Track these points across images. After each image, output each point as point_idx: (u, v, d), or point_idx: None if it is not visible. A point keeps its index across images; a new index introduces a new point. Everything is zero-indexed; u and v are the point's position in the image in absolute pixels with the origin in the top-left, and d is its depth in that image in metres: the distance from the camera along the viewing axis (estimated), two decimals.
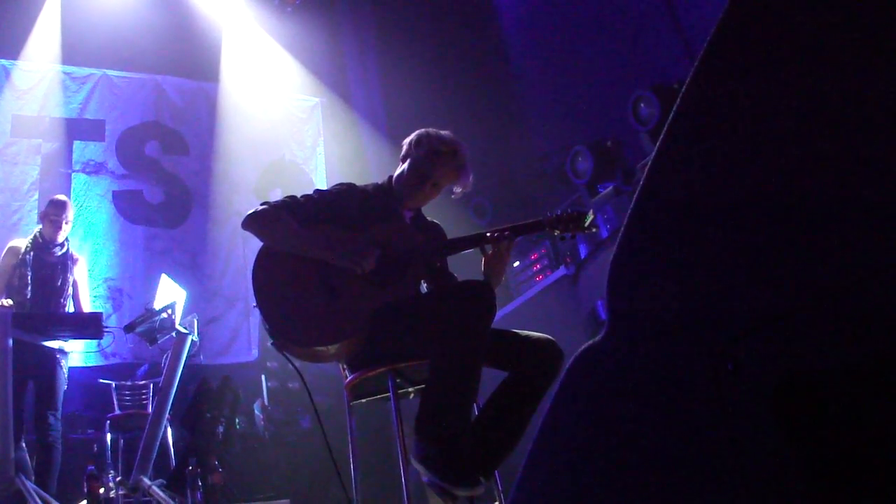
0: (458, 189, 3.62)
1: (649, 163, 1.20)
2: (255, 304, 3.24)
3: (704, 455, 1.16)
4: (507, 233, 3.41)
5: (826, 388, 1.08)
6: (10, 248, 6.16)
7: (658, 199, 1.19)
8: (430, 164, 3.48)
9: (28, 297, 5.96)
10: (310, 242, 3.27)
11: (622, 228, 1.22)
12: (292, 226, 3.29)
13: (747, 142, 1.15)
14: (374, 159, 9.88)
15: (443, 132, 3.57)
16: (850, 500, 1.05)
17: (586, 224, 3.50)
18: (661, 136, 1.19)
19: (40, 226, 6.28)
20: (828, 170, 1.10)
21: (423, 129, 3.59)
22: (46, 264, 6.14)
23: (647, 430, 1.19)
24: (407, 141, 3.61)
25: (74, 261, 6.34)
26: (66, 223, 6.24)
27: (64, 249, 6.26)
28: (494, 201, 7.50)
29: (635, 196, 1.21)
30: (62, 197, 6.48)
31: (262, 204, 3.39)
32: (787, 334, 1.10)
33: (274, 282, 3.26)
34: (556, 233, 3.53)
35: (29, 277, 6.00)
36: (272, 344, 3.23)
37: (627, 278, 1.21)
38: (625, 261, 1.21)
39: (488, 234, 3.43)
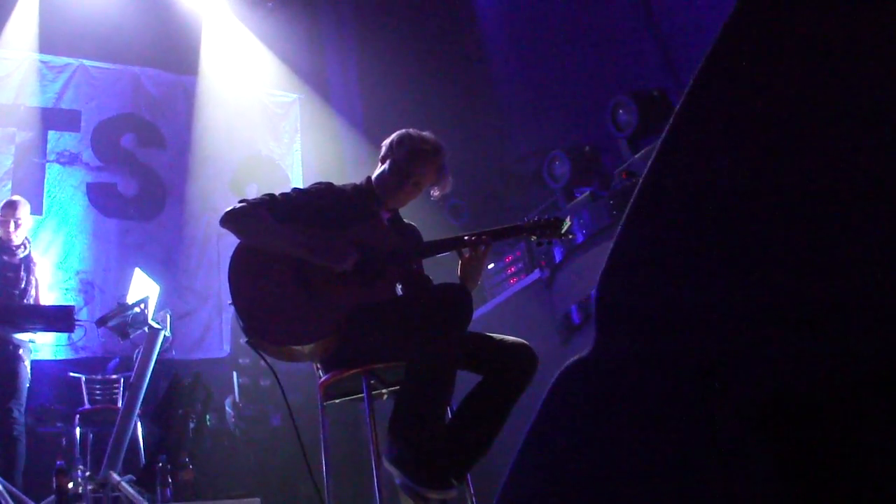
0: (436, 191, 3.64)
1: (647, 167, 1.20)
2: (230, 302, 3.23)
3: (692, 471, 1.16)
4: (484, 237, 3.44)
5: (812, 408, 1.09)
6: None
7: (653, 208, 1.19)
8: (412, 162, 3.49)
9: None
10: (289, 241, 3.26)
11: (615, 236, 1.22)
12: (271, 224, 3.29)
13: (756, 145, 1.16)
14: (350, 157, 9.87)
15: (424, 132, 3.58)
16: None
17: (563, 230, 3.53)
18: (661, 139, 1.19)
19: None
20: (827, 176, 1.11)
21: (403, 130, 3.60)
22: (10, 266, 6.19)
23: (635, 446, 1.20)
24: (387, 141, 3.61)
25: (35, 263, 6.39)
26: (18, 224, 6.25)
27: (26, 252, 6.34)
28: (471, 203, 7.51)
29: (630, 204, 1.21)
30: (16, 197, 6.55)
31: (239, 201, 3.38)
32: (774, 353, 1.11)
33: (250, 279, 3.25)
34: (533, 238, 3.57)
35: None
36: (247, 342, 3.22)
37: (617, 294, 1.22)
38: (616, 270, 1.21)
39: (466, 238, 3.44)
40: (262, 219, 3.31)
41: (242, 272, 3.27)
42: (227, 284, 3.25)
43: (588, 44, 7.25)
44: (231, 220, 3.34)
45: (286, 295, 3.21)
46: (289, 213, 3.36)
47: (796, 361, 1.13)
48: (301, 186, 3.62)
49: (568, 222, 3.56)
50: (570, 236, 3.67)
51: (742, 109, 1.18)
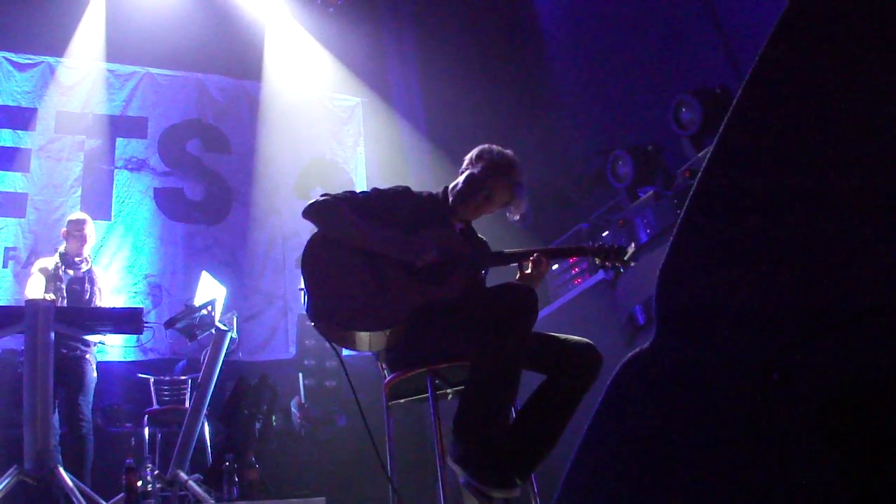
0: (512, 211, 3.69)
1: (703, 167, 1.18)
2: (301, 287, 3.28)
3: (749, 464, 1.15)
4: (546, 257, 3.54)
5: (873, 403, 1.06)
6: (41, 267, 6.43)
7: (710, 207, 1.18)
8: (485, 174, 3.57)
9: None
10: (370, 235, 3.33)
11: (674, 233, 1.21)
12: (353, 218, 3.36)
13: (808, 146, 1.14)
14: (413, 159, 9.91)
15: (505, 150, 3.65)
16: None
17: (626, 258, 3.54)
18: (716, 140, 1.18)
19: (64, 244, 6.52)
20: (887, 175, 1.08)
21: (485, 144, 3.67)
22: (75, 279, 6.45)
23: (694, 438, 1.19)
24: (468, 156, 3.69)
25: (97, 276, 6.68)
26: (87, 237, 6.53)
27: (88, 266, 6.59)
28: (534, 204, 7.47)
29: (687, 202, 1.20)
30: (81, 214, 6.83)
31: (322, 195, 3.46)
32: (835, 347, 1.09)
33: (324, 267, 3.31)
34: (597, 261, 3.59)
35: (64, 291, 6.27)
36: (313, 325, 3.26)
37: (677, 284, 1.20)
38: (675, 266, 1.20)
39: (531, 255, 3.49)
40: (345, 212, 3.38)
41: (317, 260, 3.33)
42: (301, 271, 3.31)
43: (650, 41, 7.18)
44: (315, 212, 3.42)
45: (357, 283, 3.25)
46: (366, 209, 3.44)
47: (859, 361, 1.11)
48: (366, 189, 3.68)
49: (630, 250, 3.57)
50: (633, 263, 3.68)
51: (798, 107, 1.16)
